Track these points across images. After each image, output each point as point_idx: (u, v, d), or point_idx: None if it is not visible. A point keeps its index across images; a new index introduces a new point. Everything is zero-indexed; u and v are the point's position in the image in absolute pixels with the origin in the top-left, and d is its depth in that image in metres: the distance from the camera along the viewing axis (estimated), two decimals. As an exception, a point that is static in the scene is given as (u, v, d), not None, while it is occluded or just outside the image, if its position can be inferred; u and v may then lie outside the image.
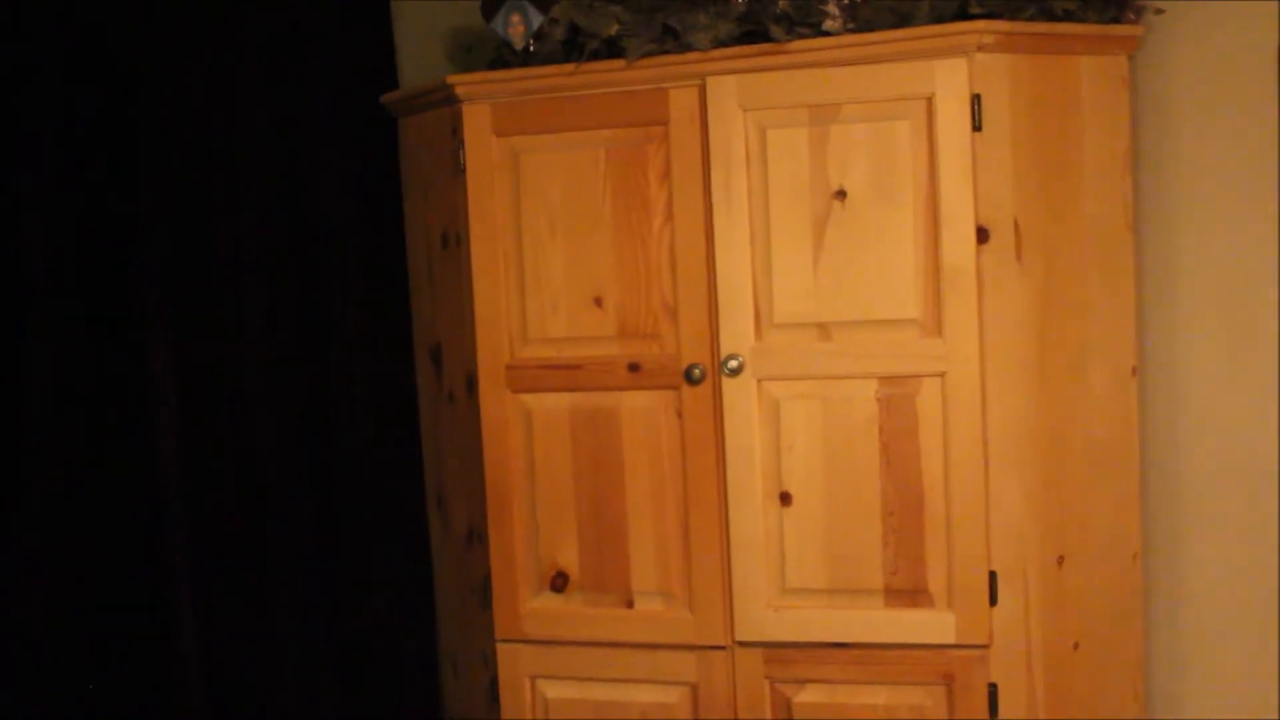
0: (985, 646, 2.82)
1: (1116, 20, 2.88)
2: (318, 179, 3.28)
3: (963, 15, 2.74)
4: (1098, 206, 2.88)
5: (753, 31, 2.82)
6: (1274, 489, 2.85)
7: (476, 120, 2.97)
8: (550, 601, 3.04)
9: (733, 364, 2.86)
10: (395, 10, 3.40)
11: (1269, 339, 2.82)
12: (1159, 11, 2.90)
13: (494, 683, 3.09)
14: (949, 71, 2.72)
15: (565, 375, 2.99)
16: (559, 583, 3.02)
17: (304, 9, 3.25)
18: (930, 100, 2.73)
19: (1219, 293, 2.91)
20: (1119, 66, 2.91)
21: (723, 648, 2.94)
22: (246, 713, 3.24)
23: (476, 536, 3.11)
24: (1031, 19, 2.77)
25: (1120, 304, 2.93)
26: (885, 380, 2.82)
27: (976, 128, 2.73)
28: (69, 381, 3.01)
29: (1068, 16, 2.79)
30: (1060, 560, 2.88)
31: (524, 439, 3.02)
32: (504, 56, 3.05)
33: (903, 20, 2.77)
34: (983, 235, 2.76)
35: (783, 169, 2.82)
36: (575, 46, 2.94)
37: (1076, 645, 2.91)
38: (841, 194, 2.80)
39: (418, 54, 3.46)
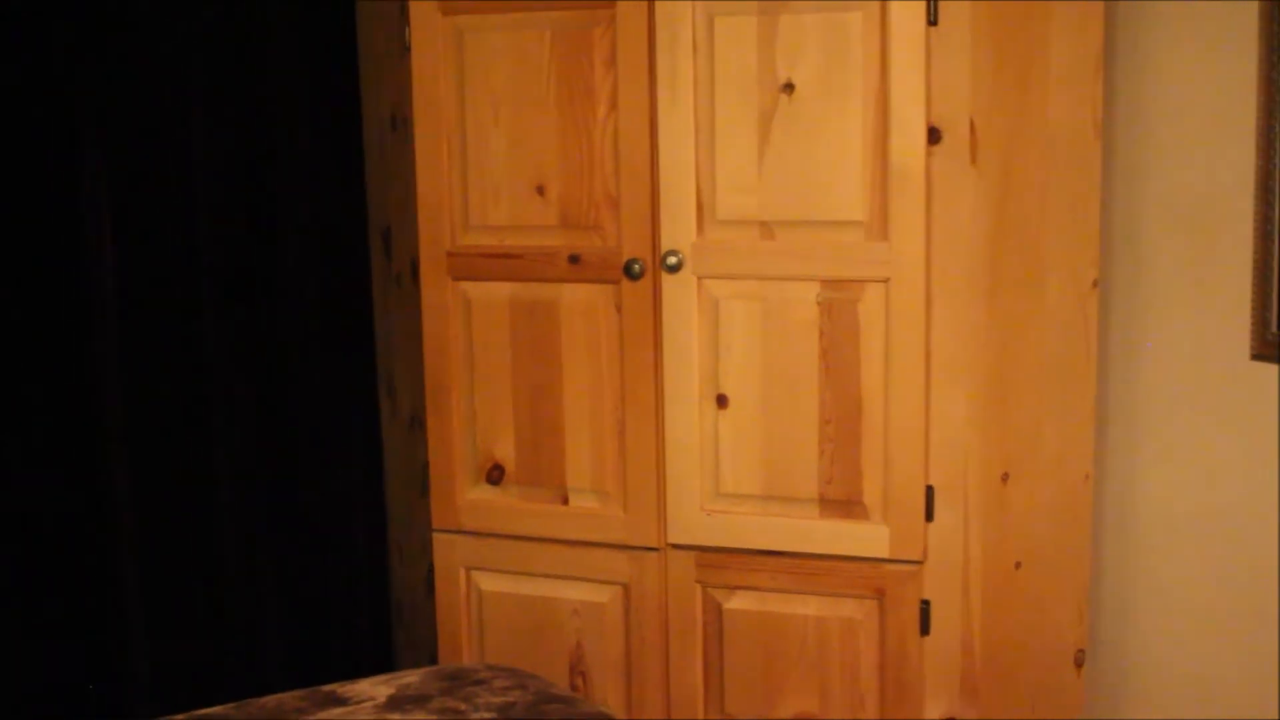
0: (919, 563, 2.75)
1: (1095, -91, 2.69)
2: (272, 55, 3.20)
3: (924, -100, 2.59)
4: (1063, 110, 2.71)
5: (707, -89, 2.69)
6: (1234, 411, 2.71)
7: (422, -4, 2.88)
8: (486, 493, 3.00)
9: (672, 260, 2.76)
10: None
11: (1238, 259, 2.66)
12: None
13: (432, 570, 3.07)
14: (905, -40, 2.58)
15: (506, 264, 2.91)
16: (495, 475, 2.98)
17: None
18: (885, -10, 2.60)
19: (1189, 204, 2.76)
20: (1095, -41, 2.73)
21: (655, 549, 2.89)
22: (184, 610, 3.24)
23: (418, 423, 3.08)
24: (999, -95, 2.61)
25: (1083, 213, 2.77)
26: (827, 283, 2.72)
27: (932, 21, 2.59)
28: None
29: (1038, -96, 2.62)
30: (1005, 477, 2.78)
31: (464, 327, 2.97)
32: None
33: (861, -97, 2.62)
34: (934, 135, 2.63)
35: (730, 59, 2.70)
36: (525, -77, 2.82)
37: (1018, 564, 2.81)
38: (789, 87, 2.67)
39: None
